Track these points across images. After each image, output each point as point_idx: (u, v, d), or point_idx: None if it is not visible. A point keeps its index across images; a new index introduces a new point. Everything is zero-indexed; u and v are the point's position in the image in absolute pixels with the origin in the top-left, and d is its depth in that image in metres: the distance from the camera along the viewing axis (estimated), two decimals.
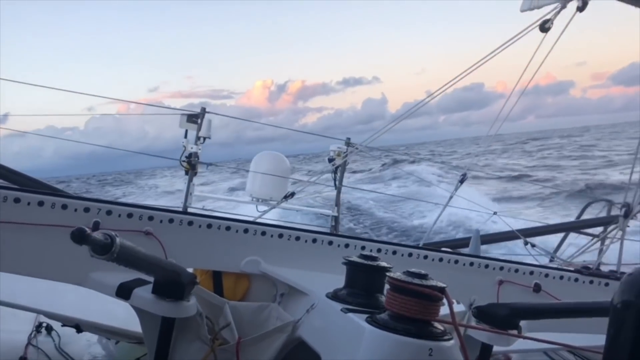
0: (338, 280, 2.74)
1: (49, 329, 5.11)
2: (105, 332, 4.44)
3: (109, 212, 3.11)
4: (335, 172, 7.22)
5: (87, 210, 3.07)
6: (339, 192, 7.33)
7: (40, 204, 2.99)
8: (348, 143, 7.22)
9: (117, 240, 2.05)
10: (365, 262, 2.60)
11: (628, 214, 4.82)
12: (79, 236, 1.95)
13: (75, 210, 3.05)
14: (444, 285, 2.07)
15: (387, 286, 2.20)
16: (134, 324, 3.60)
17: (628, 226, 5.13)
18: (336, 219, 7.33)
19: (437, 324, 2.12)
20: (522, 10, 6.34)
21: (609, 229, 6.09)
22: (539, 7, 6.07)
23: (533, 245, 6.10)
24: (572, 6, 5.68)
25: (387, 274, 2.21)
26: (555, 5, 5.80)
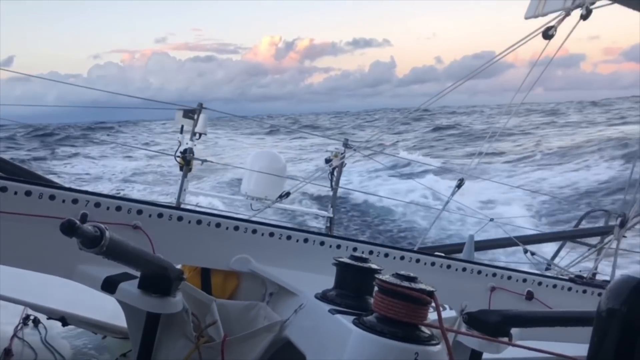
0: (328, 281, 2.70)
1: (36, 321, 5.06)
2: (91, 326, 4.40)
3: (97, 205, 3.06)
4: (332, 173, 7.18)
5: (75, 201, 3.02)
6: (335, 193, 7.28)
7: (28, 193, 2.94)
8: (346, 144, 7.17)
9: (107, 233, 2.01)
10: (355, 263, 2.56)
11: (624, 224, 4.77)
12: (68, 228, 1.90)
13: (63, 201, 3.00)
14: (433, 289, 2.02)
15: (375, 288, 2.16)
16: (120, 319, 3.54)
17: (624, 236, 5.08)
18: (331, 220, 7.28)
19: (424, 328, 2.07)
20: (527, 18, 6.32)
21: (607, 239, 6.06)
22: (543, 15, 6.05)
23: (533, 254, 6.04)
24: (576, 14, 5.66)
25: (376, 275, 2.17)
26: (559, 13, 5.77)
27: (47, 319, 4.74)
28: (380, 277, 2.08)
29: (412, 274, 2.06)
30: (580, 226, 8.35)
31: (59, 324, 4.64)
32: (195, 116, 6.26)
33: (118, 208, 3.10)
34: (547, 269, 6.62)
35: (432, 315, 2.12)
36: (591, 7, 5.60)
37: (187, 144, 6.26)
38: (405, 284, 2.00)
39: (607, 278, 5.08)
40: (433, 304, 2.04)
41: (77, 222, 1.90)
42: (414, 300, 1.99)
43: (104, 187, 23.94)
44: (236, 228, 3.34)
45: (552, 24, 5.74)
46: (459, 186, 6.31)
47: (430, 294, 2.00)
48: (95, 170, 29.15)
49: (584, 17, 5.64)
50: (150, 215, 3.16)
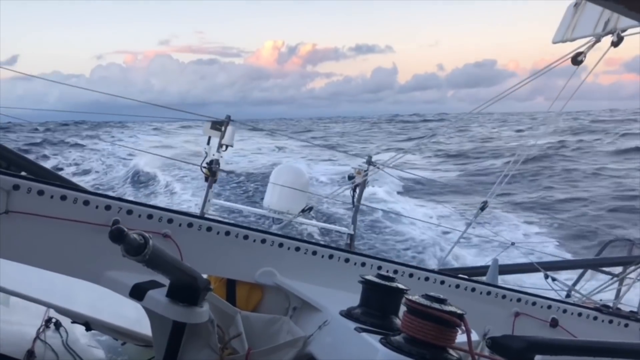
0: (352, 298, 2.71)
1: (58, 324, 5.11)
2: (113, 332, 4.44)
3: (129, 212, 3.11)
4: (354, 190, 7.18)
5: (108, 208, 3.07)
6: (356, 211, 7.29)
7: (63, 198, 3.00)
8: (369, 162, 7.19)
9: (150, 242, 2.04)
10: (382, 282, 2.56)
11: None
12: (117, 235, 1.94)
13: (97, 207, 3.05)
14: (463, 311, 2.03)
15: (404, 308, 2.16)
16: (142, 326, 3.57)
17: None
18: (352, 237, 7.28)
19: (452, 351, 2.07)
20: (555, 42, 6.30)
21: (630, 269, 5.98)
22: (572, 40, 6.03)
23: (554, 279, 5.99)
24: (606, 41, 5.63)
25: (405, 296, 2.18)
26: (589, 39, 5.75)
27: (71, 322, 4.80)
28: (411, 297, 2.09)
29: (442, 296, 2.07)
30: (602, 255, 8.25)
31: (80, 327, 4.69)
32: (223, 128, 6.34)
33: (149, 216, 3.14)
34: (567, 296, 6.55)
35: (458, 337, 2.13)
36: (623, 34, 5.57)
37: (213, 155, 6.32)
38: (436, 305, 2.00)
39: (633, 308, 5.01)
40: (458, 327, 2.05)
41: (125, 229, 1.94)
42: (444, 322, 1.99)
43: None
44: (263, 241, 3.36)
45: (582, 49, 5.71)
46: (482, 209, 6.28)
47: (460, 317, 2.01)
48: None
49: (615, 44, 5.60)
50: (180, 225, 3.20)
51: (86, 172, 29.63)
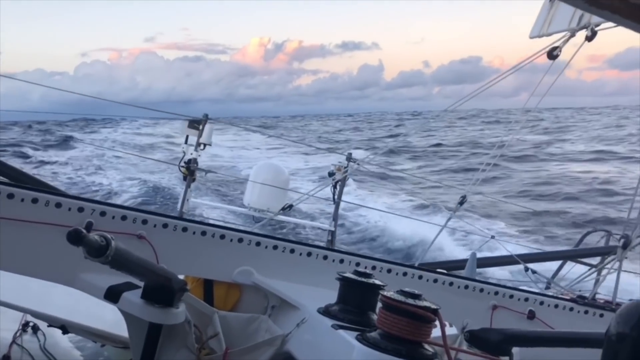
0: (331, 295, 2.71)
1: (35, 328, 5.04)
2: (91, 334, 4.39)
3: (102, 213, 3.07)
4: (334, 186, 7.18)
5: (81, 210, 3.03)
6: (337, 207, 7.29)
7: (34, 201, 2.95)
8: (349, 158, 7.19)
9: (113, 243, 2.02)
10: (359, 279, 2.56)
11: (627, 245, 4.79)
12: (75, 237, 1.91)
13: (69, 209, 3.01)
14: (438, 306, 2.03)
15: (379, 304, 2.16)
16: (121, 328, 3.54)
17: (626, 257, 5.09)
18: (333, 233, 7.29)
19: (428, 346, 2.08)
20: (532, 37, 6.37)
21: (607, 259, 6.06)
22: (548, 35, 6.10)
23: (534, 272, 6.05)
24: (581, 35, 5.71)
25: (381, 292, 2.18)
26: (564, 33, 5.82)
27: (48, 326, 4.73)
28: (385, 293, 2.09)
29: (416, 291, 2.07)
30: (581, 246, 8.35)
31: (58, 331, 4.62)
32: (201, 127, 6.30)
33: (123, 217, 3.11)
34: (547, 288, 6.62)
35: (433, 332, 2.14)
36: (596, 28, 5.64)
37: (191, 154, 6.28)
38: (410, 301, 2.01)
39: (609, 298, 5.07)
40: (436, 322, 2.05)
41: (84, 231, 1.91)
42: (418, 317, 2.00)
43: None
44: (240, 240, 3.34)
45: (557, 44, 5.79)
46: (461, 203, 6.31)
47: (435, 312, 2.01)
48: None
49: (589, 38, 5.68)
50: (155, 226, 3.17)
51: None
